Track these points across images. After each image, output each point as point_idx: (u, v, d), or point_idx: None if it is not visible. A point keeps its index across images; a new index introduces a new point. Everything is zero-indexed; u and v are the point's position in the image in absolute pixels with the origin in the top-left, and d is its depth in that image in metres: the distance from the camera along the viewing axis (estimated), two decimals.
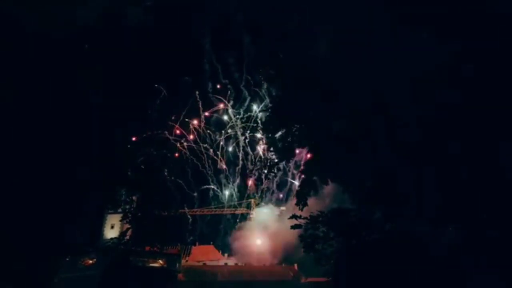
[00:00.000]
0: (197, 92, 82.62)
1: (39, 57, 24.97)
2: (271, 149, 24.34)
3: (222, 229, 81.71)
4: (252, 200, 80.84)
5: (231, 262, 68.71)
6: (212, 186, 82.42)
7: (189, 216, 76.83)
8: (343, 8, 19.98)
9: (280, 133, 23.54)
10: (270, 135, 23.90)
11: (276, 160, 24.86)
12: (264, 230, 74.61)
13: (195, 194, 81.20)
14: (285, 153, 23.98)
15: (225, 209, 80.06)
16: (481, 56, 16.20)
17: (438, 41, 16.65)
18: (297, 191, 23.63)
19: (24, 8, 23.93)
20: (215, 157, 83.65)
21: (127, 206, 49.03)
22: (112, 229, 61.63)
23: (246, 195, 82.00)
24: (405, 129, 18.58)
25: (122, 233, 51.42)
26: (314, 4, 21.53)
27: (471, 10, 16.35)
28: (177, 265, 55.40)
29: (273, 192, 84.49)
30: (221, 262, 66.85)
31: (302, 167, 24.36)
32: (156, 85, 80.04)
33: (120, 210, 52.22)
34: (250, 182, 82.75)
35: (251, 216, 79.42)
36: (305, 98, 21.59)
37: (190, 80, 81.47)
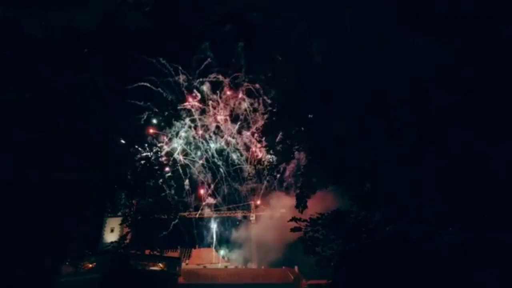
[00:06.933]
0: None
1: (38, 62, 25.01)
2: (271, 151, 24.35)
3: (222, 231, 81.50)
4: (252, 203, 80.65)
5: (231, 265, 68.55)
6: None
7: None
8: (342, 9, 20.01)
9: (279, 135, 23.55)
10: (269, 137, 23.93)
11: (275, 163, 24.85)
12: (264, 233, 74.49)
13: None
14: (285, 156, 23.96)
15: (226, 212, 79.84)
16: (481, 56, 16.20)
17: (438, 40, 16.66)
18: (296, 193, 23.57)
19: (23, 13, 23.98)
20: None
21: (127, 210, 49.00)
22: (112, 233, 61.55)
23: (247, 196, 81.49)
24: (404, 130, 18.56)
25: (122, 237, 51.43)
26: (313, 6, 21.55)
27: (471, 10, 16.38)
28: (177, 268, 55.19)
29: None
30: (221, 265, 66.73)
31: (301, 170, 24.34)
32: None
33: (120, 213, 52.15)
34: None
35: (251, 218, 79.21)
36: (304, 99, 21.59)
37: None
